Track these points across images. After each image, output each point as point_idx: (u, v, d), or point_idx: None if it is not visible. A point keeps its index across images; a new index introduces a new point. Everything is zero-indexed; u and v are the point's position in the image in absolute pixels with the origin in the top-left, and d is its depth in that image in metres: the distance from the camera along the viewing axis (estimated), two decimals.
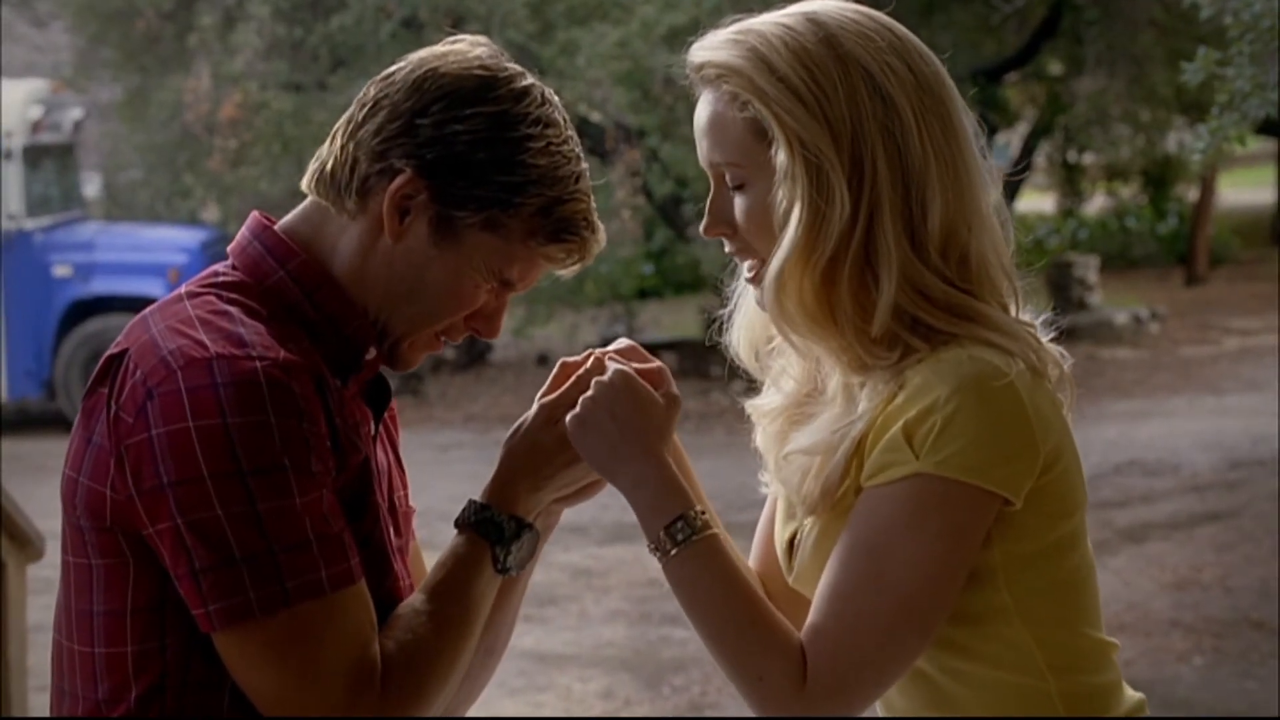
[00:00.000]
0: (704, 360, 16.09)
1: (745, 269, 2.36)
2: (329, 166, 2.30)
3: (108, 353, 2.23)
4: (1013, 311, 2.32)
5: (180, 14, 17.20)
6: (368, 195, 2.28)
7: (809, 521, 2.32)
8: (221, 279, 2.29)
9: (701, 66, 2.31)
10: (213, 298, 2.25)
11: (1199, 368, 17.02)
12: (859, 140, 2.24)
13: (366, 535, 2.26)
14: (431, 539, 10.47)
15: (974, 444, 2.19)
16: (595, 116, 16.19)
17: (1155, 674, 7.99)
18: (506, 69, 2.31)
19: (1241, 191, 30.09)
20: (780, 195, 2.26)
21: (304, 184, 2.33)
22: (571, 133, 2.33)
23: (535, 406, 2.40)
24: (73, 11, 18.07)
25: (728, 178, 2.31)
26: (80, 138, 17.89)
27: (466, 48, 2.31)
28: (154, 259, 16.25)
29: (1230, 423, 13.92)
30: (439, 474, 13.15)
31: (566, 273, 2.34)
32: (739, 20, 2.34)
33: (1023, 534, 2.25)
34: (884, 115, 2.25)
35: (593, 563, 10.19)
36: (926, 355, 2.23)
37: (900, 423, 2.21)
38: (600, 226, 2.33)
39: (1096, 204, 27.26)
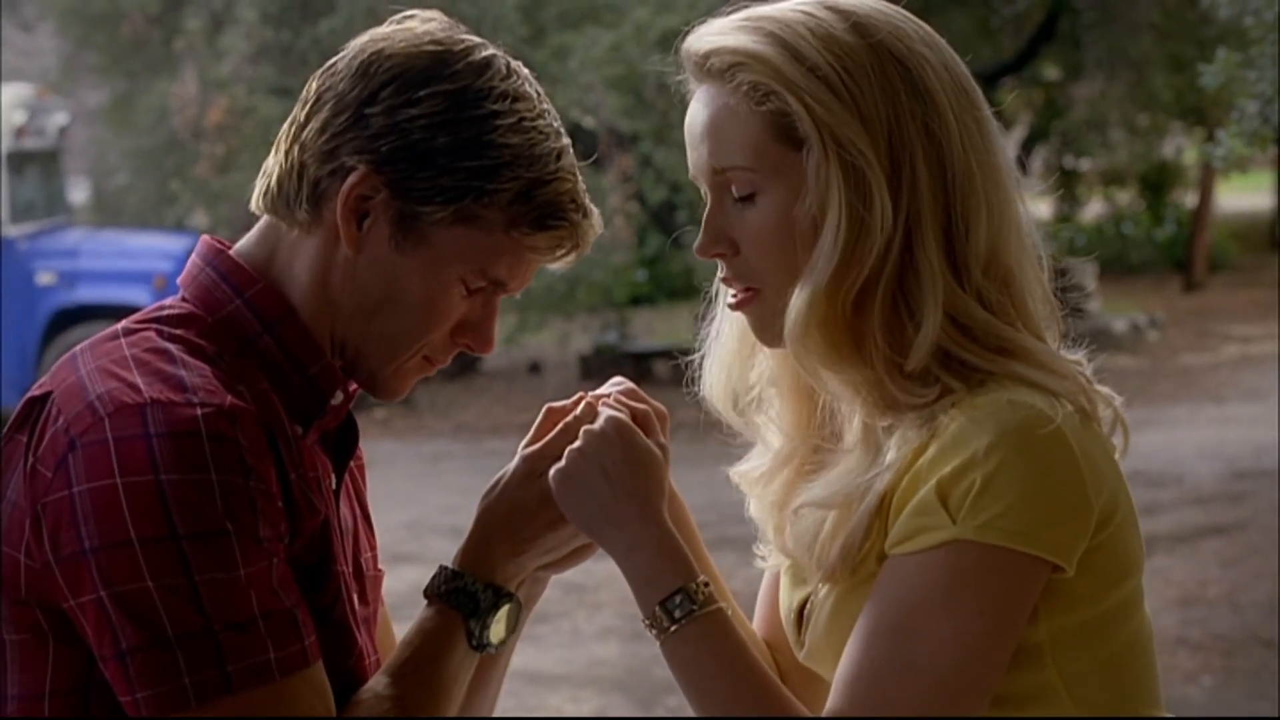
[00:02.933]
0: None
1: (729, 294, 2.07)
2: (275, 178, 2.03)
3: (28, 394, 1.96)
4: (1051, 343, 2.04)
5: (167, 17, 17.05)
6: (320, 202, 2.01)
7: (823, 589, 2.04)
8: (166, 312, 2.02)
9: (708, 55, 2.02)
10: (152, 334, 1.97)
11: (1199, 376, 16.86)
12: (897, 139, 1.97)
13: (326, 609, 1.99)
14: (422, 553, 10.21)
15: (1019, 504, 1.91)
16: (588, 122, 16.03)
17: (1163, 694, 7.79)
18: (462, 41, 2.03)
19: (1239, 196, 29.95)
20: (809, 204, 1.98)
21: (253, 204, 2.06)
22: (547, 106, 2.04)
23: (516, 458, 2.12)
24: (58, 15, 17.90)
25: (734, 187, 2.02)
26: (66, 143, 17.69)
27: (416, 24, 2.04)
28: (139, 266, 16.01)
29: (1232, 432, 13.75)
30: (429, 485, 13.02)
31: (560, 265, 2.06)
32: (741, 8, 2.05)
33: (1074, 603, 1.96)
34: (923, 113, 1.98)
35: (585, 578, 9.99)
36: (962, 397, 1.96)
37: (933, 481, 1.93)
38: (593, 210, 2.05)
39: (1093, 210, 27.11)
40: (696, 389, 2.17)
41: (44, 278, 15.96)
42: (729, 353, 2.14)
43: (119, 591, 1.84)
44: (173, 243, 16.73)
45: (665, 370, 17.15)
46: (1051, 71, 20.72)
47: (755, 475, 2.14)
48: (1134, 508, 2.01)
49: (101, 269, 15.99)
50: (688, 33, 2.06)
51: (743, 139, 2.00)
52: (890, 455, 1.98)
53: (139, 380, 1.90)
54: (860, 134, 1.96)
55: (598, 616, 9.43)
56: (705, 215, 2.05)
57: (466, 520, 2.14)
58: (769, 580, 2.23)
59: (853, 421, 2.05)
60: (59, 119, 17.18)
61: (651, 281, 22.03)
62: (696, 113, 2.04)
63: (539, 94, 2.04)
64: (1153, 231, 25.87)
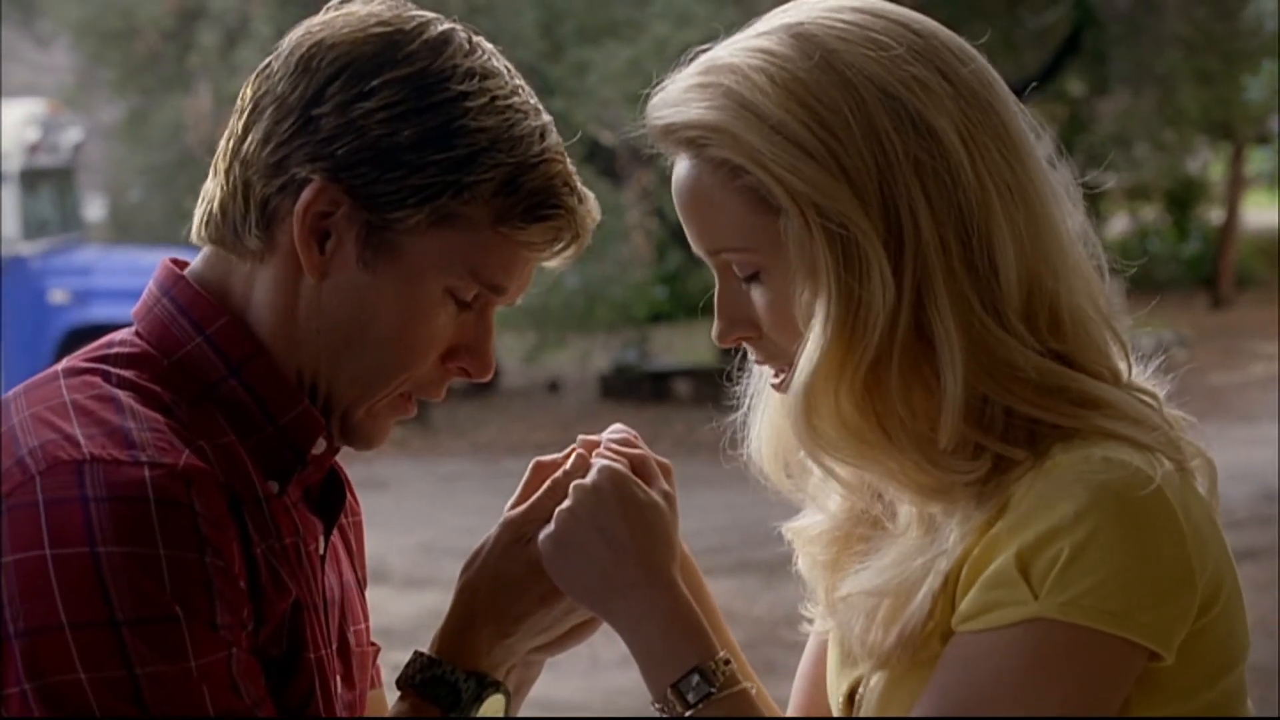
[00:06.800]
0: (718, 386, 15.72)
1: (771, 375, 1.80)
2: (216, 203, 1.75)
3: None
4: (1124, 376, 1.76)
5: (181, 33, 16.92)
6: (273, 225, 1.73)
7: (876, 677, 1.77)
8: (115, 350, 1.74)
9: (668, 131, 1.75)
10: (98, 377, 1.70)
11: (1228, 395, 16.64)
12: (890, 191, 1.67)
13: (300, 705, 1.72)
14: (434, 576, 9.96)
15: (1114, 579, 1.62)
16: (606, 137, 15.87)
17: None
18: (414, 18, 1.75)
19: (1264, 212, 29.77)
20: (799, 284, 1.70)
21: (192, 234, 1.79)
22: (520, 82, 1.76)
23: (498, 524, 1.85)
24: (73, 30, 17.80)
25: (735, 267, 1.75)
26: (80, 160, 17.57)
27: (356, 6, 1.76)
28: None
29: (1263, 453, 13.50)
30: (445, 506, 12.86)
31: (560, 263, 1.79)
32: (701, 53, 1.77)
33: (1170, 697, 1.68)
34: (919, 148, 1.68)
35: None
36: (1028, 467, 1.68)
37: (1013, 549, 1.65)
38: (588, 193, 1.78)
39: (1118, 226, 26.92)
40: (742, 451, 1.89)
41: (57, 296, 15.83)
42: (776, 411, 1.85)
43: (47, 684, 1.57)
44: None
45: (686, 389, 16.96)
46: (1076, 86, 20.55)
47: (812, 533, 1.86)
48: (1239, 581, 1.74)
49: (115, 287, 15.82)
50: (648, 97, 1.78)
51: (728, 219, 1.73)
52: (954, 536, 1.70)
53: (78, 433, 1.63)
54: (845, 196, 1.68)
55: (616, 644, 9.22)
56: (716, 297, 1.78)
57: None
58: (813, 651, 1.96)
59: (903, 504, 1.78)
60: (73, 135, 17.07)
61: (672, 299, 21.88)
62: (678, 189, 1.76)
63: (508, 69, 1.77)
64: (1178, 248, 25.69)
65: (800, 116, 1.68)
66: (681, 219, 1.77)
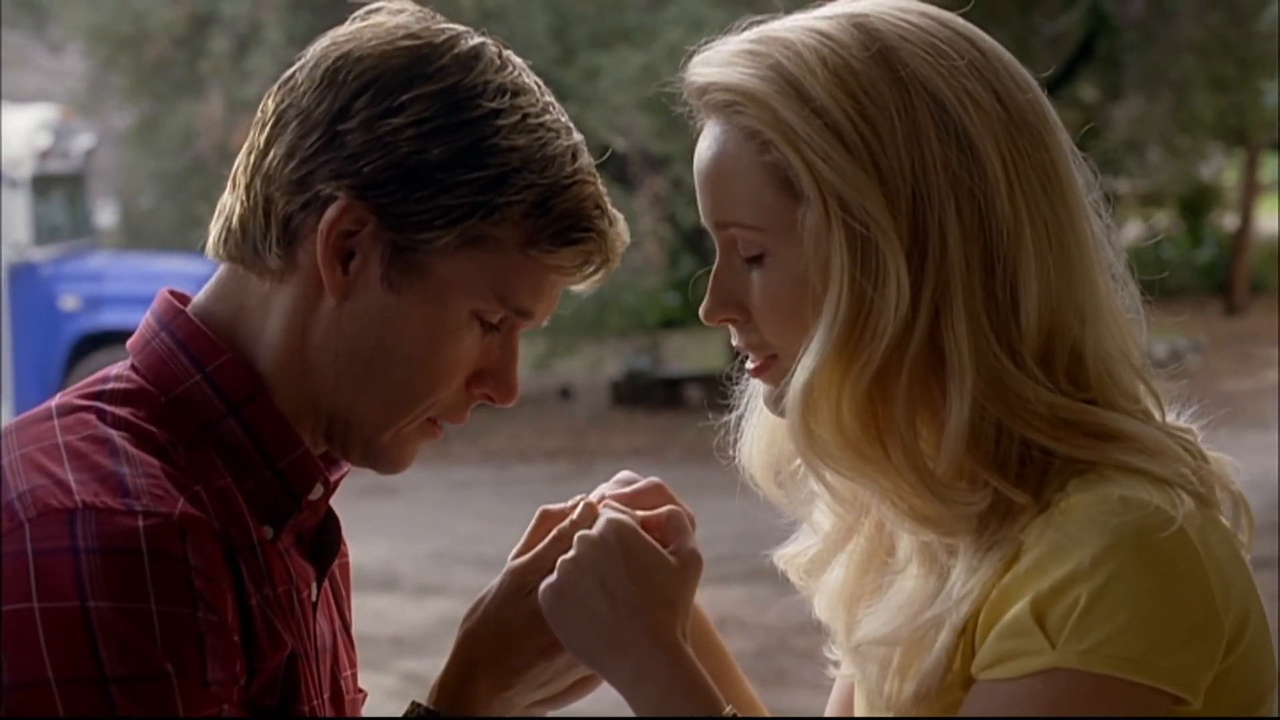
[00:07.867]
0: (731, 394, 15.67)
1: (750, 362, 1.74)
2: (235, 219, 1.69)
3: None
4: (1156, 419, 1.69)
5: (192, 39, 16.93)
6: (294, 243, 1.66)
7: None
8: (111, 386, 1.66)
9: (705, 90, 1.69)
10: (92, 416, 1.62)
11: (1243, 402, 16.58)
12: (923, 200, 1.62)
13: None
14: (445, 584, 9.87)
15: (1134, 625, 1.56)
16: (619, 143, 15.87)
17: None
18: (443, 31, 1.68)
19: (1274, 218, 29.75)
20: (811, 277, 1.64)
21: (208, 250, 1.72)
22: (550, 99, 1.70)
23: (502, 572, 1.78)
24: (84, 36, 17.82)
25: (739, 245, 1.69)
26: (91, 166, 17.58)
27: (384, 18, 1.70)
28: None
29: (1276, 460, 13.45)
30: (456, 513, 12.84)
31: (588, 286, 1.73)
32: (757, 23, 1.71)
33: None
34: (959, 164, 1.62)
35: None
36: (1032, 516, 1.61)
37: (1028, 597, 1.58)
38: (618, 215, 1.73)
39: (1131, 232, 26.91)
40: (733, 454, 1.83)
41: (68, 302, 15.83)
42: (769, 417, 1.78)
43: None
44: (199, 267, 16.58)
45: (697, 395, 16.93)
46: (1090, 92, 20.54)
47: (804, 560, 1.81)
48: (1265, 616, 1.67)
49: (126, 293, 15.83)
50: (694, 53, 1.73)
51: (745, 193, 1.68)
52: (959, 588, 1.64)
53: (70, 478, 1.56)
54: (874, 195, 1.62)
55: None
56: (713, 272, 1.72)
57: (494, 550, 1.85)
58: (839, 695, 1.90)
59: (900, 534, 1.72)
60: (84, 141, 17.09)
61: (684, 305, 21.88)
62: (700, 154, 1.71)
63: (539, 85, 1.71)
64: (1192, 254, 25.66)
65: (844, 105, 1.63)
66: (697, 186, 1.72)
